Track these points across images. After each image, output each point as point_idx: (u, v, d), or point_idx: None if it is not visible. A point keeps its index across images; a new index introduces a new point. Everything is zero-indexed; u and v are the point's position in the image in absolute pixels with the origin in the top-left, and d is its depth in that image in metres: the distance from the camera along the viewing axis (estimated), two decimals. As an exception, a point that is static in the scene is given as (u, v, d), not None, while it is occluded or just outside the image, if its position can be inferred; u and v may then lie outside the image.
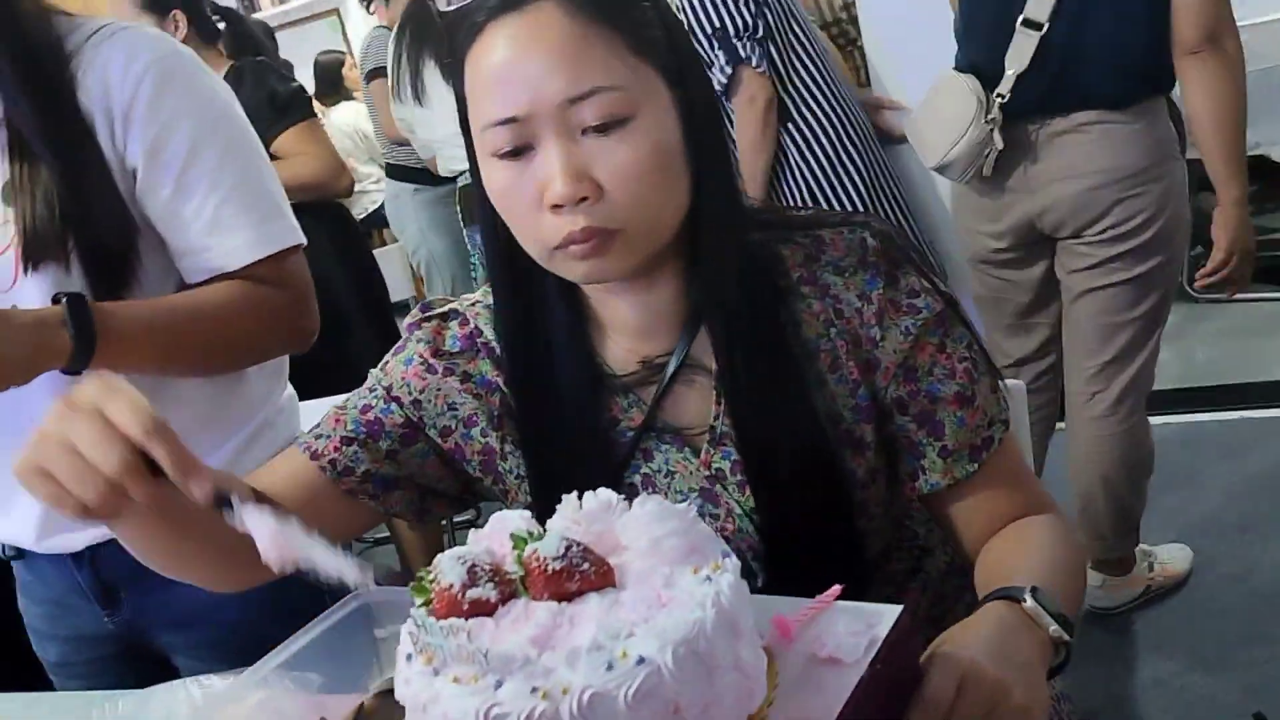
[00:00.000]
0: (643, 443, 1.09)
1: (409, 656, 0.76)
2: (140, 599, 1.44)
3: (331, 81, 6.45)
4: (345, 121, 6.04)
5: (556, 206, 0.94)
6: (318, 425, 1.14)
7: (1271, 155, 2.47)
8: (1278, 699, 2.11)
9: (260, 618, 1.17)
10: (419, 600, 0.79)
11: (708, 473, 1.08)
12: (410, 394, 1.12)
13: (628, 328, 1.09)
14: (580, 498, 0.84)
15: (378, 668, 1.06)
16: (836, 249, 1.06)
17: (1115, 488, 2.46)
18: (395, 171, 4.36)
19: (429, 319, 1.16)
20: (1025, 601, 0.90)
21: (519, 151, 0.95)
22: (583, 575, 0.77)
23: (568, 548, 0.78)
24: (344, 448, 1.11)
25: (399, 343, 1.16)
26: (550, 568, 0.77)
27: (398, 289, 4.34)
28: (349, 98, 6.36)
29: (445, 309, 1.16)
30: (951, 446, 1.05)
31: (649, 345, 1.09)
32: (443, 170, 3.73)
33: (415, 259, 4.45)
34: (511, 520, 0.85)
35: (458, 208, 3.74)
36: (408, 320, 1.18)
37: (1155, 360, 2.41)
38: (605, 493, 0.84)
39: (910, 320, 1.04)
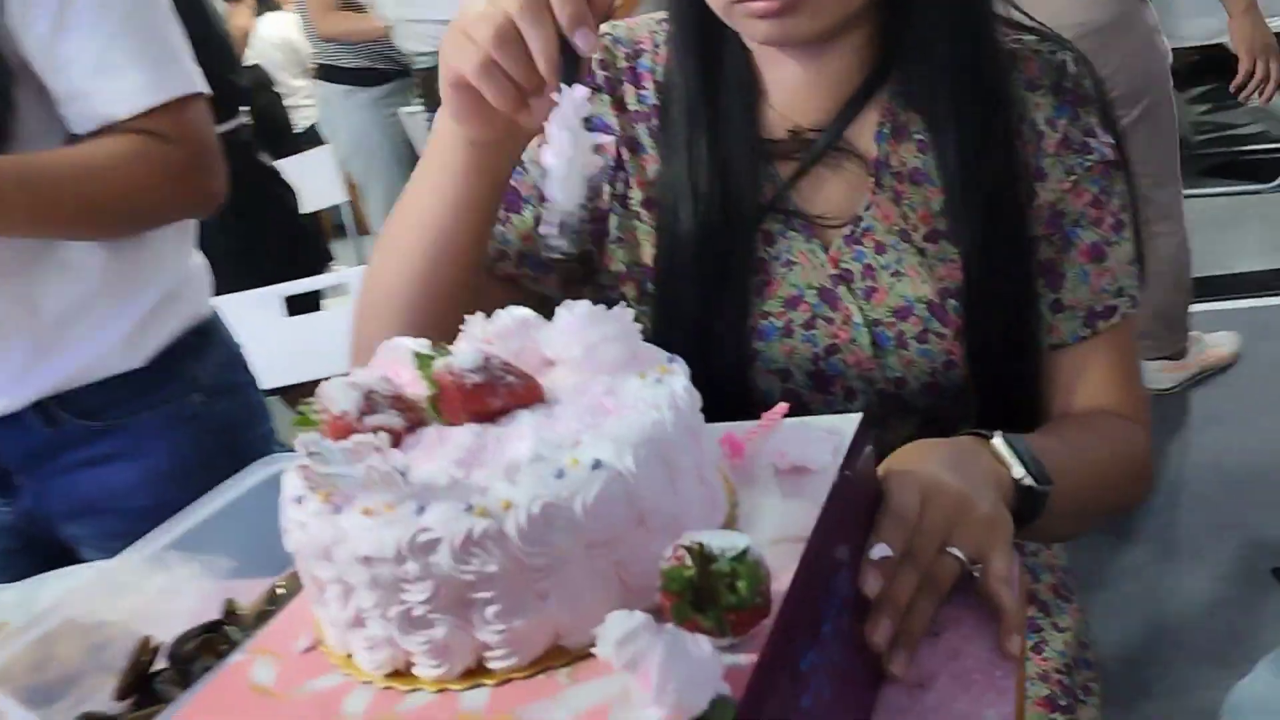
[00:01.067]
0: (765, 223, 0.98)
1: (299, 499, 0.63)
2: (39, 485, 1.29)
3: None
4: (273, 34, 5.43)
5: None
6: None
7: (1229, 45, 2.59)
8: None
9: (176, 504, 1.01)
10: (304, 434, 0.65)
11: (833, 271, 0.98)
12: None
13: (785, 91, 0.99)
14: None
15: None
16: (1032, 67, 0.98)
17: (1159, 297, 2.69)
18: (326, 73, 4.01)
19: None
20: (993, 438, 0.84)
21: None
22: (508, 389, 0.65)
23: (486, 359, 0.65)
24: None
25: None
26: (469, 381, 0.64)
27: (326, 196, 3.81)
28: (275, 8, 5.82)
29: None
30: (1067, 302, 0.98)
31: (804, 114, 0.99)
32: (403, 45, 3.46)
33: (349, 167, 4.04)
34: (404, 346, 0.72)
35: (418, 95, 3.46)
36: None
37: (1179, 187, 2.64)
38: (520, 310, 0.72)
39: (1078, 160, 0.97)
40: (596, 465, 0.58)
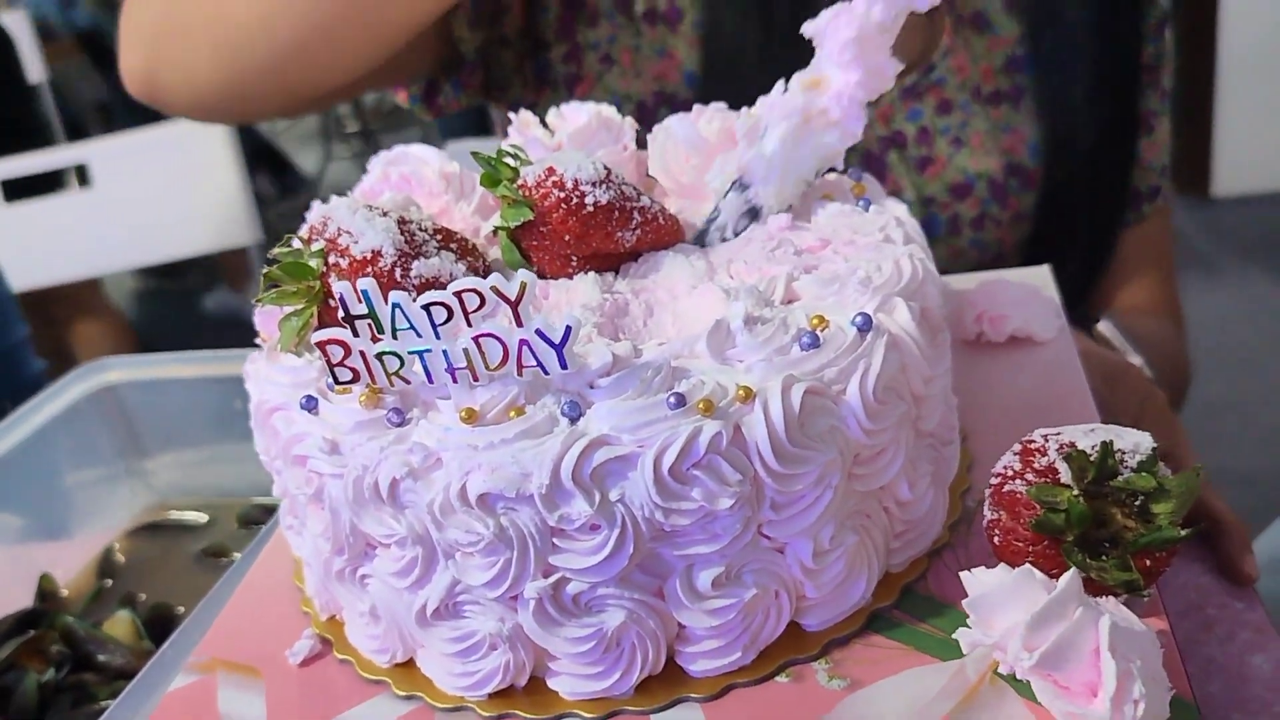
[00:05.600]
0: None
1: (308, 402, 0.36)
2: None
3: None
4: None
5: None
6: None
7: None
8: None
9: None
10: (296, 306, 0.38)
11: (883, 132, 0.76)
12: None
13: None
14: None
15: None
16: None
17: None
18: None
19: None
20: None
21: None
22: (647, 218, 0.41)
23: (608, 172, 0.40)
24: None
25: None
26: (591, 202, 0.39)
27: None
28: None
29: None
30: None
31: None
32: None
33: None
34: (423, 158, 0.45)
35: None
36: None
37: None
38: (605, 107, 0.47)
39: (1145, 9, 0.80)
40: (865, 325, 0.35)
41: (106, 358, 0.69)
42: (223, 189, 1.77)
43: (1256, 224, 2.69)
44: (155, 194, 1.78)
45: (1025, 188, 0.80)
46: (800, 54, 0.43)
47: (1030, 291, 0.50)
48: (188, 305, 2.89)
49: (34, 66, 2.83)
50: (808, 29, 0.42)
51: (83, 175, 1.81)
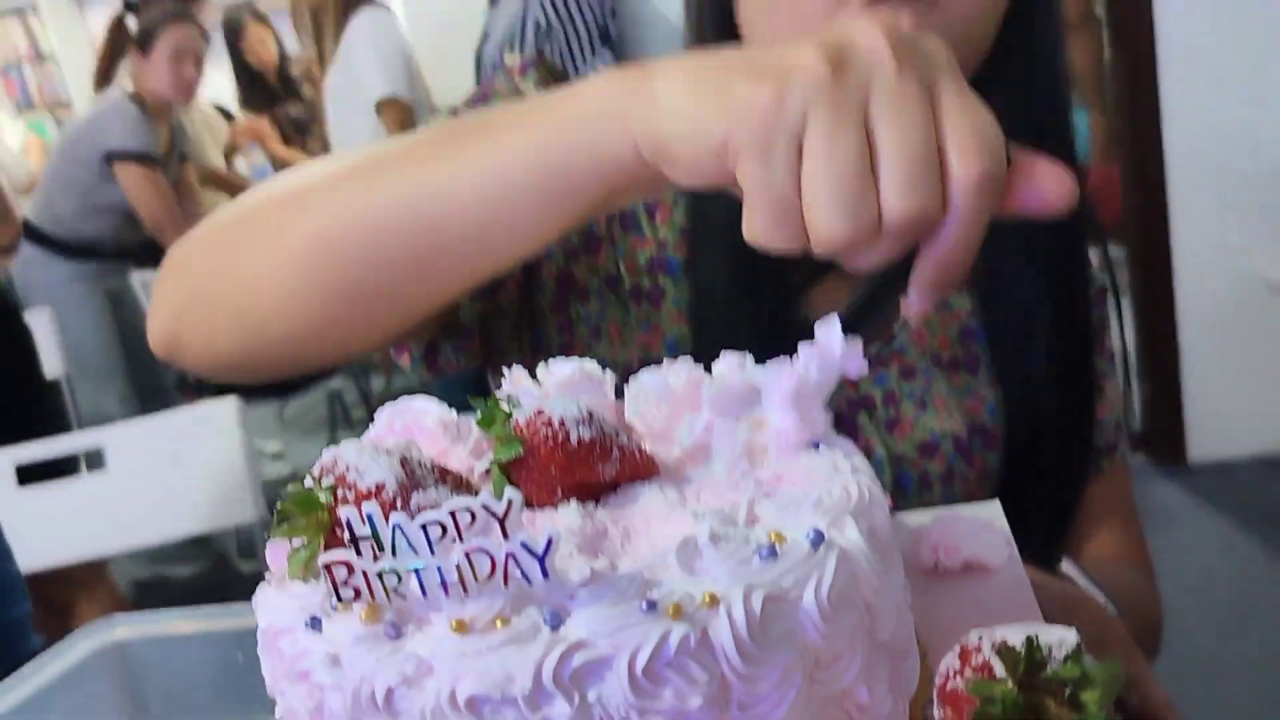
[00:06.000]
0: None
1: (313, 622, 0.39)
2: None
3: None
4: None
5: (875, 1, 0.65)
6: None
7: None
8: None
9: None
10: (304, 538, 0.42)
11: (851, 394, 0.81)
12: None
13: None
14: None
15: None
16: None
17: None
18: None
19: None
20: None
21: None
22: (624, 453, 0.46)
23: (591, 411, 0.45)
24: None
25: None
26: (575, 438, 0.44)
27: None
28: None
29: None
30: None
31: None
32: None
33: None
34: (424, 407, 0.51)
35: None
36: None
37: None
38: (589, 362, 0.53)
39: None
40: (817, 539, 0.39)
41: (115, 614, 0.72)
42: (231, 470, 1.83)
43: (1235, 489, 2.74)
44: (165, 476, 1.84)
45: (988, 448, 0.85)
46: (778, 339, 0.49)
47: (982, 523, 0.54)
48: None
49: (52, 362, 2.96)
50: (755, 377, 0.47)
51: (96, 459, 1.87)
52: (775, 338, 0.49)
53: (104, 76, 3.50)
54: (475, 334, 0.79)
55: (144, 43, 3.25)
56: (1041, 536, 0.87)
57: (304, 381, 3.84)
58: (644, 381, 0.51)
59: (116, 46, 3.45)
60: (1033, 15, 0.78)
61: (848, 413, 0.83)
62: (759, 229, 0.45)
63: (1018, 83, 0.77)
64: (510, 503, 0.36)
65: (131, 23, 3.40)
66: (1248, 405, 2.83)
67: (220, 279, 0.65)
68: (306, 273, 0.59)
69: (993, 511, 0.58)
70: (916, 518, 0.57)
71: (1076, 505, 0.88)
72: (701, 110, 0.45)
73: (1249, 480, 2.71)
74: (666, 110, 0.46)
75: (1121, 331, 0.94)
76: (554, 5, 2.40)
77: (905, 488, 0.83)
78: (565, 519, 0.43)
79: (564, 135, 0.50)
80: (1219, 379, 2.87)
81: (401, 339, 0.78)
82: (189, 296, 0.67)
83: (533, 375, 0.53)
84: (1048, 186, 0.46)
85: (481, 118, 0.57)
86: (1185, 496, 2.71)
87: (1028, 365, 0.84)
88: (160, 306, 0.69)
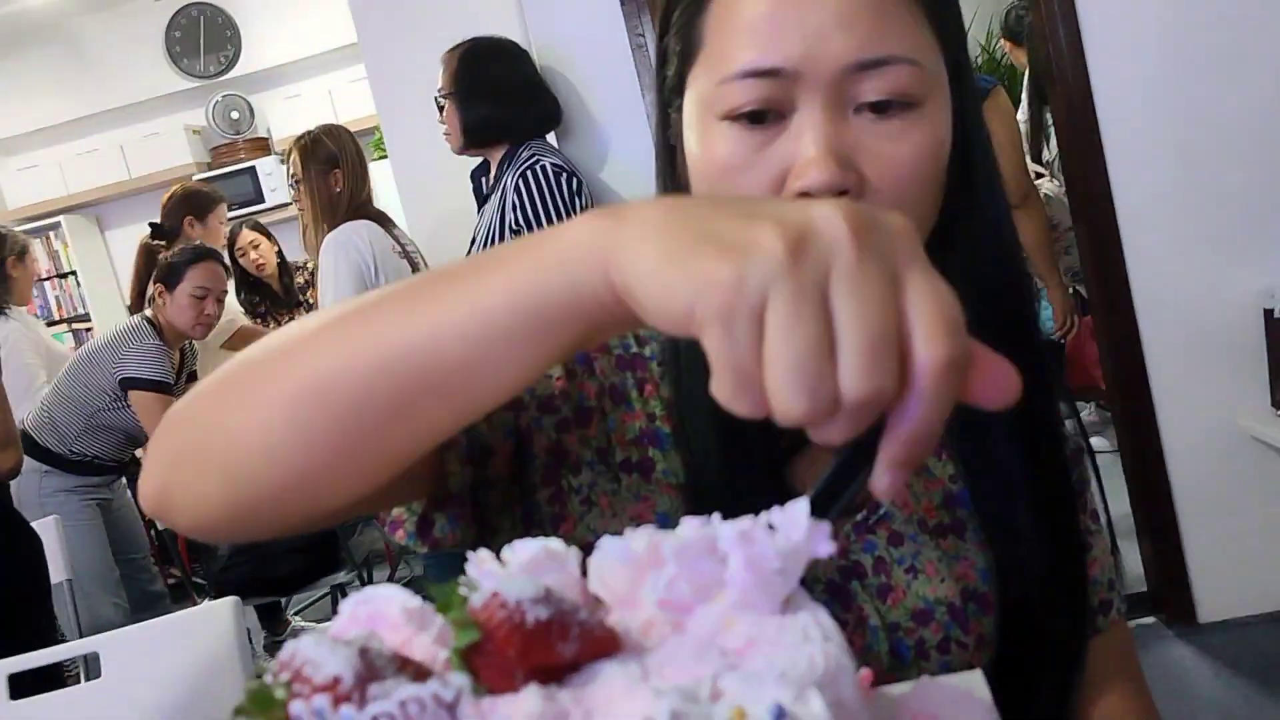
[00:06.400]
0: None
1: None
2: None
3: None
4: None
5: (805, 194, 0.69)
6: None
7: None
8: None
9: None
10: (259, 733, 0.41)
11: (841, 562, 0.81)
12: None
13: None
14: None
15: None
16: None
17: None
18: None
19: None
20: None
21: (761, 116, 0.72)
22: (584, 630, 0.45)
23: (548, 589, 0.45)
24: None
25: None
26: (531, 619, 0.43)
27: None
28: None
29: None
30: None
31: None
32: None
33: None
34: (388, 597, 0.50)
35: None
36: None
37: None
38: (553, 541, 0.52)
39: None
40: (779, 715, 0.38)
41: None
42: (225, 671, 1.79)
43: (1248, 647, 2.68)
44: (162, 681, 1.78)
45: (983, 612, 0.84)
46: (770, 508, 0.49)
47: (961, 692, 0.53)
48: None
49: (58, 567, 2.92)
50: (719, 532, 0.47)
51: (93, 666, 1.82)
52: (768, 508, 0.49)
53: (140, 297, 3.63)
54: (467, 503, 0.78)
55: (169, 280, 3.36)
56: (1048, 701, 0.85)
57: (307, 578, 3.81)
58: (605, 547, 0.50)
59: (147, 271, 3.59)
60: (975, 191, 0.81)
61: (840, 580, 0.83)
62: (723, 395, 0.46)
63: (966, 260, 0.80)
64: (459, 690, 0.35)
65: (155, 244, 3.54)
66: (1251, 561, 2.79)
67: (209, 431, 0.64)
68: (293, 418, 0.59)
69: (974, 680, 0.56)
70: (898, 687, 0.55)
71: (1079, 666, 0.87)
72: (669, 274, 0.46)
73: (1260, 638, 2.65)
74: (636, 265, 0.48)
75: (1102, 491, 0.94)
76: (527, 213, 2.52)
77: (902, 656, 0.81)
78: (526, 704, 0.42)
79: (545, 274, 0.51)
80: (1217, 536, 2.83)
81: (391, 501, 0.77)
82: (179, 452, 0.67)
83: (497, 556, 0.52)
84: (997, 379, 0.47)
85: (466, 262, 0.58)
86: (1198, 656, 2.65)
87: (1014, 525, 0.84)
88: (153, 464, 0.68)
